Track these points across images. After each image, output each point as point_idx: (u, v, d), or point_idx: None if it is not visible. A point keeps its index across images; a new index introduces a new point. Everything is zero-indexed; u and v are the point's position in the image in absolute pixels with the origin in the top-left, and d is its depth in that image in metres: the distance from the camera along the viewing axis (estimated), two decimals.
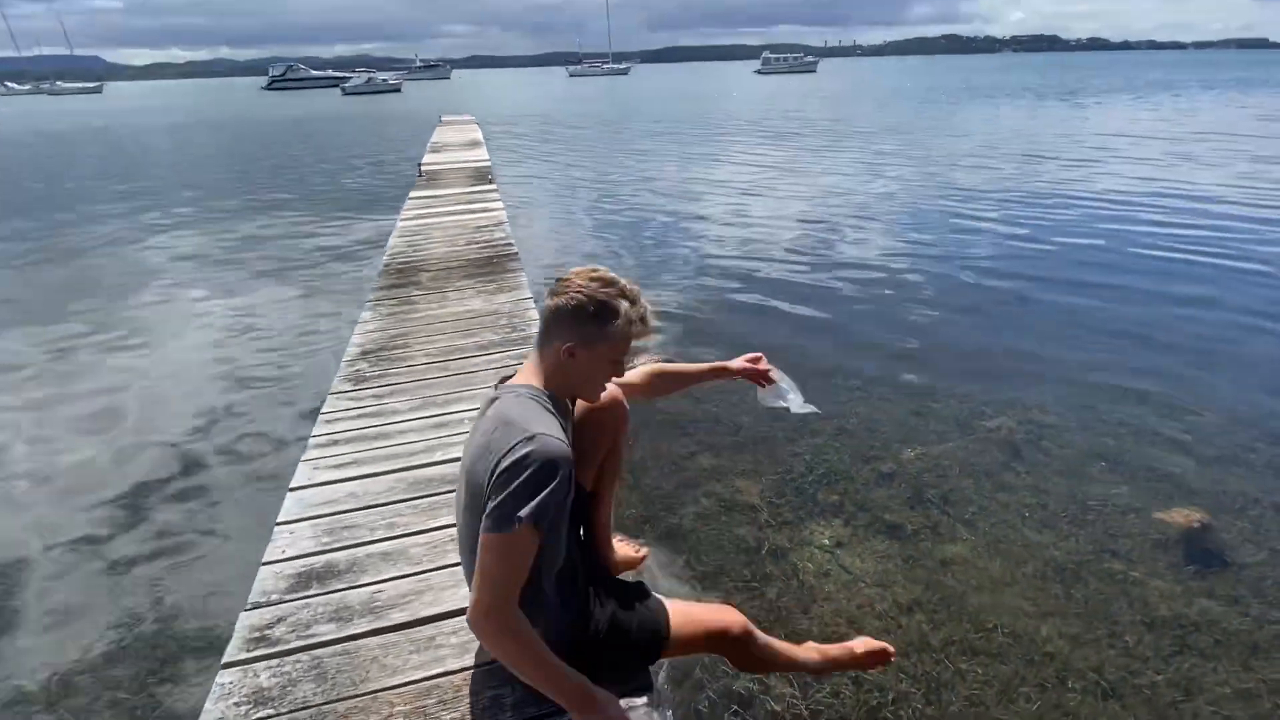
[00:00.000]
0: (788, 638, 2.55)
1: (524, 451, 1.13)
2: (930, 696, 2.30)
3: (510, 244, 5.47)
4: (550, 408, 1.27)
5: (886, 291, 6.36)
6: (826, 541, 3.06)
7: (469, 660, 1.59)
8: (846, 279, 6.73)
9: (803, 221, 9.18)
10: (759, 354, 1.72)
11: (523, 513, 1.10)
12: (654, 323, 1.32)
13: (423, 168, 9.97)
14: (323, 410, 2.81)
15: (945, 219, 9.14)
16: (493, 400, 1.32)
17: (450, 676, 1.55)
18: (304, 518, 2.11)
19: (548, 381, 1.31)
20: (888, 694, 2.31)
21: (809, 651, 1.80)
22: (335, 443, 2.54)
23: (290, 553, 1.95)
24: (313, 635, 1.67)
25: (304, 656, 1.61)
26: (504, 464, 1.13)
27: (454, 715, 1.44)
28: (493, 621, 1.15)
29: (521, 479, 1.11)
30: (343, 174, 14.79)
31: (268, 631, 1.70)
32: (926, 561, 2.94)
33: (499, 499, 1.12)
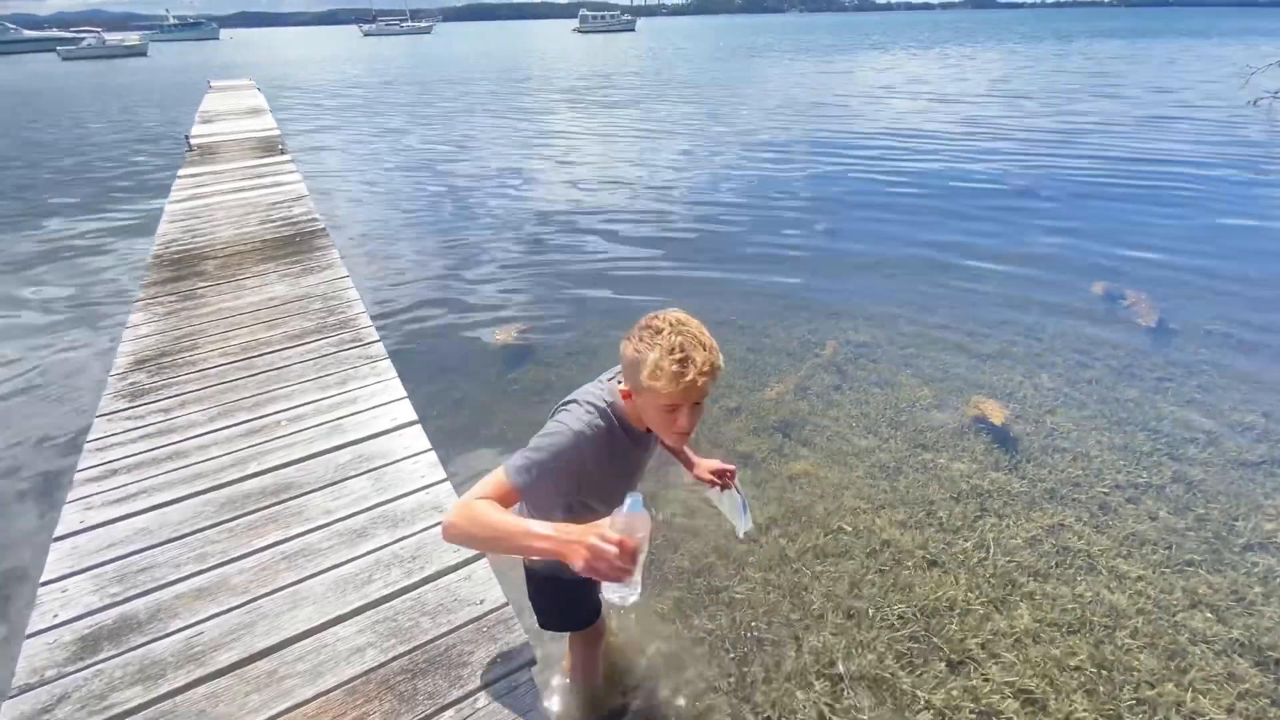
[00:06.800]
0: (661, 577, 2.64)
1: (556, 435, 1.29)
2: (795, 601, 2.50)
3: (315, 219, 4.85)
4: (607, 423, 1.35)
5: (709, 244, 6.63)
6: (687, 480, 3.17)
7: (324, 683, 1.40)
8: (673, 235, 6.90)
9: (626, 185, 9.19)
10: (732, 468, 1.75)
11: (515, 470, 1.26)
12: (692, 376, 1.19)
13: (192, 140, 8.46)
14: (90, 438, 2.29)
15: (756, 173, 9.73)
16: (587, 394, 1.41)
17: (303, 708, 1.36)
18: (79, 570, 1.71)
19: (629, 407, 1.36)
20: (759, 609, 2.47)
21: None
22: (113, 473, 2.09)
23: (65, 615, 1.58)
24: (112, 706, 1.37)
25: None
26: (546, 429, 1.32)
27: None
28: (452, 514, 1.21)
29: (543, 447, 1.28)
30: (83, 155, 12.13)
31: (47, 716, 1.36)
32: (776, 482, 3.18)
33: (532, 447, 1.29)
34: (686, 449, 1.78)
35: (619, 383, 1.41)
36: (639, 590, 1.13)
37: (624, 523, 1.07)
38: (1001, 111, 13.84)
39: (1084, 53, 29.11)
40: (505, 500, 1.29)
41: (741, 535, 1.74)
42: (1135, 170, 8.74)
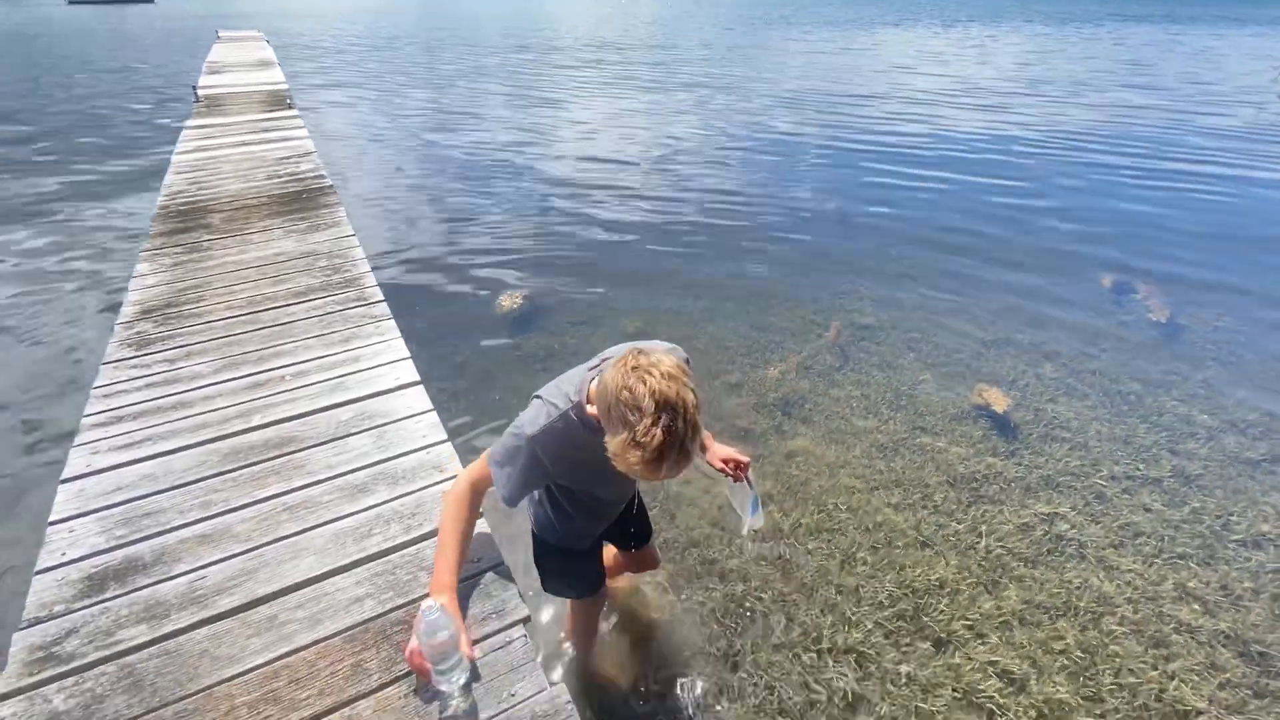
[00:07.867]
0: (661, 546, 2.68)
1: (516, 434, 1.34)
2: (787, 575, 2.54)
3: (322, 176, 4.80)
4: (566, 425, 1.29)
5: (717, 219, 6.55)
6: (700, 464, 3.19)
7: (323, 630, 1.44)
8: (681, 208, 6.82)
9: (637, 156, 9.07)
10: (747, 460, 1.59)
11: (492, 458, 1.38)
12: (658, 476, 1.09)
13: (200, 91, 8.34)
14: (96, 384, 2.31)
15: (767, 151, 9.57)
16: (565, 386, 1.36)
17: (302, 653, 1.39)
18: (86, 511, 1.74)
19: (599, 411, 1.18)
20: (750, 581, 2.51)
21: None
22: (118, 420, 2.11)
23: (72, 554, 1.61)
24: (119, 642, 1.41)
25: (110, 668, 1.36)
26: (514, 423, 1.36)
27: (310, 692, 1.31)
28: (455, 490, 1.42)
29: (505, 444, 1.35)
30: (88, 102, 11.99)
31: (56, 648, 1.41)
32: (774, 458, 3.20)
33: (503, 436, 1.37)
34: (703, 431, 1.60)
35: (598, 375, 1.28)
36: (455, 681, 1.27)
37: (425, 627, 1.19)
38: (1022, 98, 13.52)
39: (1114, 37, 28.33)
40: (489, 480, 1.40)
41: (746, 532, 1.59)
42: (1156, 164, 8.56)
